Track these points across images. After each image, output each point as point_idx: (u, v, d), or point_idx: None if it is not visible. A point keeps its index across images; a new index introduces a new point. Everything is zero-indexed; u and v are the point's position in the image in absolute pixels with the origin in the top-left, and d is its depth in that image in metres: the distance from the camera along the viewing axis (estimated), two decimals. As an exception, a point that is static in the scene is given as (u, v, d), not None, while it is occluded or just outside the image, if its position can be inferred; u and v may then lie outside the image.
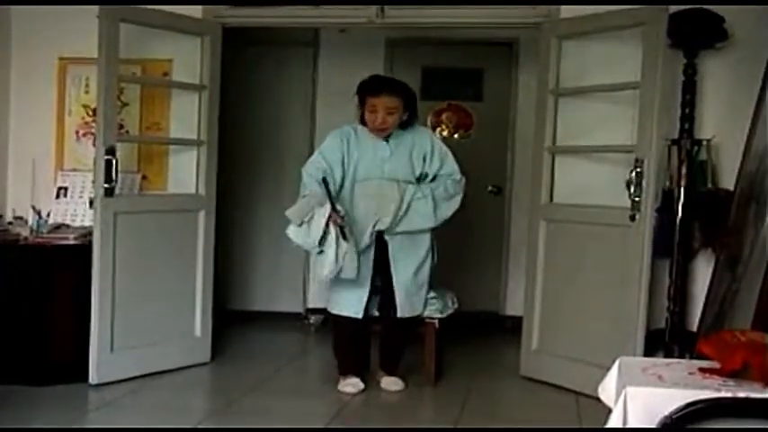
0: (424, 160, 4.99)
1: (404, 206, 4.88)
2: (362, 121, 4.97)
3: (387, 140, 4.97)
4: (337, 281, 4.86)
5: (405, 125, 4.99)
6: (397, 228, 4.90)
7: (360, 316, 4.91)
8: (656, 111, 4.65)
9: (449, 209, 4.99)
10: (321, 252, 4.69)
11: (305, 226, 4.70)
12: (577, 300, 5.05)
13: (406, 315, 4.98)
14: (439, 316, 5.13)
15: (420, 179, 5.00)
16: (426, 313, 5.10)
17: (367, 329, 5.07)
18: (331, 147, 4.94)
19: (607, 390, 2.88)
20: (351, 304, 4.92)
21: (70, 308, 4.96)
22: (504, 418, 4.65)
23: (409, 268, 4.96)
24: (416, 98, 5.09)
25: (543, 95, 5.22)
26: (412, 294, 4.98)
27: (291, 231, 4.77)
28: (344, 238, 4.67)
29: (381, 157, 4.95)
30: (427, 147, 5.01)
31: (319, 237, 4.64)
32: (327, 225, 4.63)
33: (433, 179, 5.02)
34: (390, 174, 4.93)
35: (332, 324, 5.13)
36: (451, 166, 5.02)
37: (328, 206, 4.66)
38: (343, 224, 4.69)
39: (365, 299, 4.91)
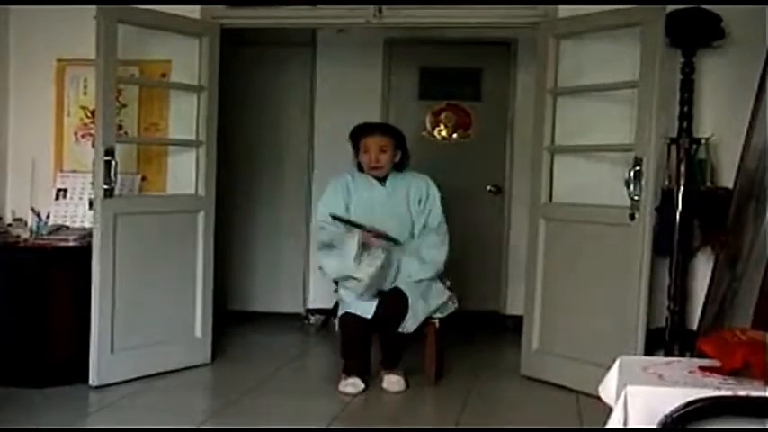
0: (419, 203, 5.18)
1: (394, 266, 5.05)
2: (360, 167, 5.19)
3: (383, 184, 5.17)
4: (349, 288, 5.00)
5: (400, 167, 5.20)
6: (393, 284, 5.05)
7: (369, 316, 4.93)
8: (654, 109, 4.66)
9: (440, 255, 5.12)
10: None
11: (336, 251, 4.97)
12: (577, 299, 5.05)
13: (406, 330, 5.01)
14: (439, 316, 5.14)
15: (413, 223, 5.19)
16: (427, 313, 5.15)
17: (370, 330, 5.07)
18: (333, 194, 5.20)
19: (607, 389, 2.88)
20: (362, 305, 4.94)
21: (70, 309, 4.96)
22: (505, 418, 4.65)
23: (414, 292, 5.03)
24: (406, 139, 5.30)
25: (542, 95, 5.22)
26: (419, 314, 5.01)
27: (326, 265, 5.06)
28: (393, 241, 5.01)
29: (378, 200, 5.16)
30: (423, 190, 5.21)
31: (354, 254, 4.86)
32: (362, 245, 4.92)
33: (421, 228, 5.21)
34: (384, 215, 5.11)
35: (340, 326, 5.12)
36: (437, 214, 5.18)
37: (356, 231, 4.96)
38: (380, 232, 4.99)
39: (375, 304, 4.94)
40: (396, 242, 5.04)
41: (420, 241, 5.14)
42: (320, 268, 5.25)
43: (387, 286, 5.01)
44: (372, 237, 4.98)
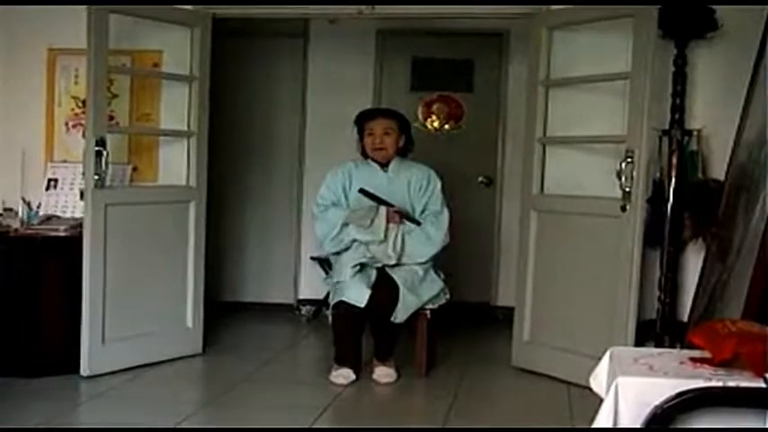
0: (420, 189, 5.23)
1: (398, 241, 5.07)
2: (364, 154, 5.25)
3: (385, 170, 5.23)
4: (343, 276, 4.98)
5: (404, 153, 5.27)
6: (395, 262, 5.09)
7: (362, 305, 4.92)
8: (646, 101, 4.65)
9: (440, 232, 5.15)
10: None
11: (362, 229, 5.06)
12: (568, 290, 5.05)
13: (397, 320, 5.00)
14: (431, 307, 5.15)
15: (413, 209, 5.22)
16: (418, 304, 5.15)
17: (363, 320, 5.07)
18: (333, 179, 5.25)
19: (598, 380, 2.89)
20: (355, 294, 4.92)
21: (61, 299, 4.95)
22: (496, 410, 4.66)
23: (407, 282, 5.02)
24: (410, 125, 5.44)
25: (534, 86, 5.22)
26: (409, 305, 5.01)
27: (351, 233, 5.09)
28: (415, 222, 5.13)
29: (379, 185, 5.18)
30: (424, 179, 5.27)
31: (383, 229, 5.01)
32: (389, 222, 5.05)
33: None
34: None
35: (333, 314, 5.11)
36: (436, 200, 5.23)
37: (382, 208, 5.07)
38: (403, 212, 5.10)
39: (368, 293, 4.92)
40: (417, 223, 5.11)
41: (423, 224, 5.18)
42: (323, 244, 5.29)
43: (386, 260, 5.04)
44: (396, 214, 5.07)
